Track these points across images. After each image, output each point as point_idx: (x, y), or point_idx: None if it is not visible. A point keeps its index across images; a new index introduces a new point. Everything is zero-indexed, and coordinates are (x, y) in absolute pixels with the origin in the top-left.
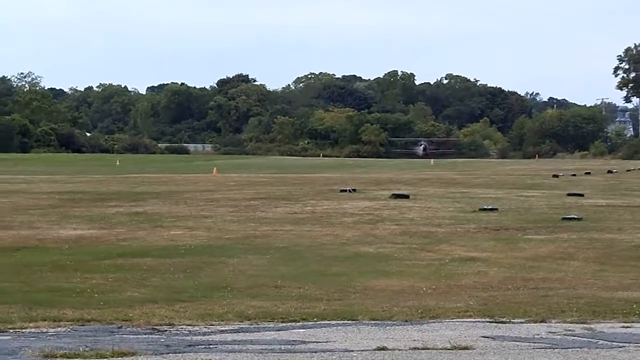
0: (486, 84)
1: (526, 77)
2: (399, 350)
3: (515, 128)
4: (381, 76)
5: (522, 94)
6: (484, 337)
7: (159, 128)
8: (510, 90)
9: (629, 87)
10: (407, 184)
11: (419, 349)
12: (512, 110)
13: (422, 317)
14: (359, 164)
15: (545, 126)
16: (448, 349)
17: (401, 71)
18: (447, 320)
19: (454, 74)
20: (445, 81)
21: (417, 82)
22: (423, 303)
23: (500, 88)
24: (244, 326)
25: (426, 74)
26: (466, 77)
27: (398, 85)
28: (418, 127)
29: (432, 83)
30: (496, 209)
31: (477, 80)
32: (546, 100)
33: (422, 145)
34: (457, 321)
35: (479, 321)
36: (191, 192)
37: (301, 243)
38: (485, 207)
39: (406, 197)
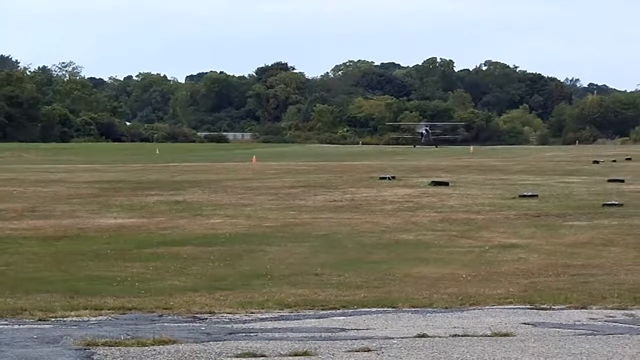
0: (525, 70)
1: (566, 63)
2: (439, 337)
3: (555, 114)
4: (420, 63)
5: (562, 80)
6: (525, 323)
7: (198, 117)
8: (549, 76)
9: None
10: (447, 171)
11: (459, 336)
12: (551, 96)
13: (462, 304)
14: (398, 151)
15: (585, 112)
16: (488, 336)
17: (440, 58)
18: (487, 307)
19: (493, 60)
20: (484, 68)
21: (456, 69)
22: (463, 290)
23: (539, 74)
24: (284, 314)
25: (465, 61)
26: (505, 63)
27: (437, 72)
28: (457, 114)
29: (471, 70)
30: (536, 195)
31: (516, 67)
32: (586, 86)
33: (424, 130)
34: (498, 308)
35: (519, 308)
36: (230, 180)
37: (341, 231)
38: (525, 193)
39: (445, 184)
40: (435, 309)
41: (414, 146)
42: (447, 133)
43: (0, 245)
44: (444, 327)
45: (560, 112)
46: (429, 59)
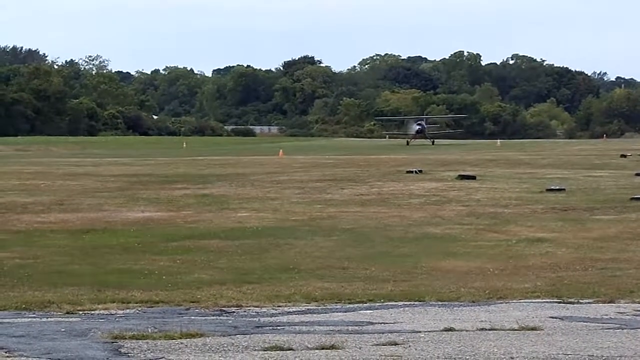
0: (553, 64)
1: (593, 57)
2: (467, 331)
3: (583, 108)
4: (447, 57)
5: (589, 74)
6: (552, 317)
7: (225, 110)
8: (577, 70)
9: None
10: (474, 165)
11: (486, 329)
12: (579, 90)
13: (490, 298)
14: (425, 144)
15: (612, 106)
16: (516, 330)
17: (467, 52)
18: (514, 301)
19: (520, 54)
20: (511, 61)
21: (483, 63)
22: (490, 284)
23: (567, 68)
24: (311, 307)
25: (492, 55)
26: (532, 57)
27: (464, 66)
28: (484, 108)
29: (498, 63)
30: (563, 189)
31: (543, 60)
32: (613, 79)
33: (418, 126)
34: (525, 302)
35: (546, 302)
36: (257, 174)
37: (368, 224)
38: (552, 187)
39: (473, 178)
40: (462, 303)
41: (407, 143)
42: (445, 127)
43: (28, 238)
44: (471, 320)
45: (587, 106)
46: (456, 52)
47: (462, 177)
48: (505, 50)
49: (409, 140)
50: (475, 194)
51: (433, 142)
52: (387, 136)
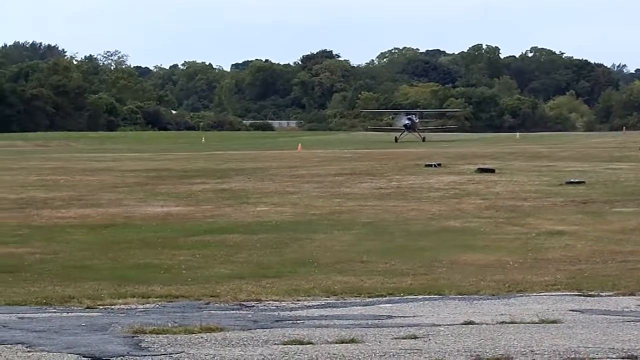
0: (572, 57)
1: (612, 49)
2: (487, 324)
3: (602, 100)
4: (465, 50)
5: (609, 66)
6: (572, 310)
7: (243, 105)
8: (596, 62)
9: None
10: (493, 158)
11: (506, 323)
12: (598, 82)
13: (509, 291)
14: (444, 138)
15: (632, 98)
16: (536, 323)
17: (486, 45)
18: (534, 294)
19: (539, 47)
20: (530, 54)
21: (502, 56)
22: (510, 277)
23: (586, 60)
24: (330, 301)
25: (511, 47)
26: (551, 49)
27: (483, 59)
28: (503, 101)
29: (517, 56)
30: (583, 182)
31: (562, 53)
32: (633, 72)
33: (407, 121)
34: (545, 295)
35: (567, 295)
36: (276, 168)
37: (387, 218)
38: (572, 180)
39: (492, 171)
40: (482, 296)
41: (396, 139)
42: (437, 122)
43: (49, 233)
44: (491, 314)
45: (607, 99)
46: (475, 45)
47: (482, 171)
48: (524, 43)
49: (397, 136)
50: (494, 187)
51: (424, 138)
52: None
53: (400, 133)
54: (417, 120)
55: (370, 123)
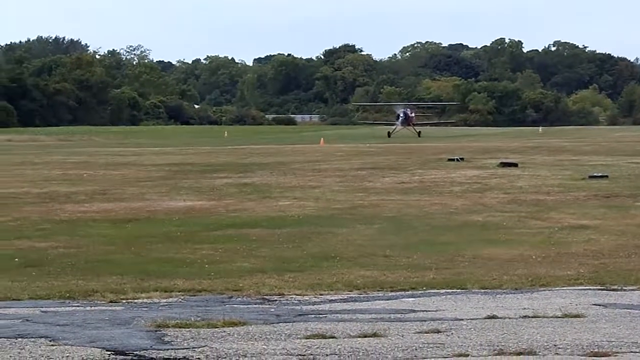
0: (595, 50)
1: (636, 43)
2: (509, 318)
3: (625, 94)
4: (488, 44)
5: (632, 60)
6: (595, 304)
7: (266, 99)
8: (619, 56)
9: None
10: (515, 152)
11: (529, 317)
12: (621, 76)
13: (532, 286)
14: (466, 132)
15: None
16: (559, 317)
17: (508, 39)
18: (557, 288)
19: (562, 41)
20: (553, 48)
21: (524, 50)
22: (533, 271)
23: (609, 54)
24: (353, 295)
25: (534, 41)
26: (574, 43)
27: (505, 53)
28: (526, 95)
29: (540, 50)
30: (606, 176)
31: (585, 47)
32: None
33: (402, 115)
34: (568, 289)
35: (590, 289)
36: (299, 162)
37: (409, 212)
38: (595, 174)
39: (514, 165)
40: (505, 290)
41: (389, 134)
42: (435, 115)
43: (72, 228)
44: (514, 308)
45: (630, 92)
46: (498, 39)
47: (504, 165)
48: (546, 37)
49: (390, 131)
50: (517, 181)
51: (419, 133)
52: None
53: (393, 127)
54: (412, 114)
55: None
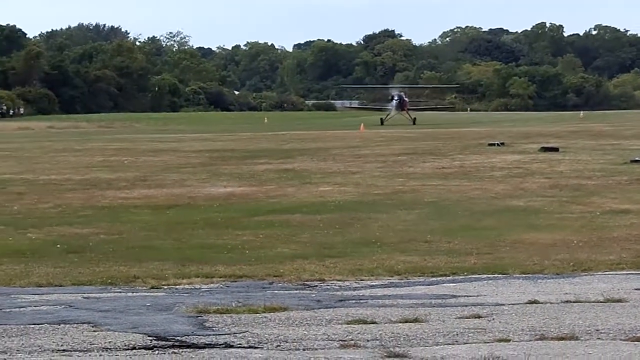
0: (636, 34)
1: None
2: (551, 303)
3: None
4: (529, 28)
5: None
6: (638, 289)
7: (305, 85)
8: None
9: None
10: (556, 137)
11: (571, 302)
12: None
13: (574, 270)
14: (507, 117)
15: None
16: (601, 302)
17: (549, 23)
18: (599, 273)
19: (603, 25)
20: (594, 32)
21: (565, 34)
22: (574, 256)
23: None
24: (394, 281)
25: (575, 25)
26: (616, 27)
27: (546, 37)
28: (567, 80)
29: (581, 34)
30: None
31: (627, 30)
32: None
33: (397, 98)
34: (610, 274)
35: (632, 273)
36: (339, 148)
37: (450, 197)
38: (637, 158)
39: (555, 150)
40: (546, 275)
41: (382, 121)
42: (433, 98)
43: (113, 214)
44: (556, 293)
45: None
46: (538, 24)
47: (545, 149)
48: (587, 20)
49: (383, 117)
50: (558, 166)
51: (414, 120)
52: (469, 109)
53: (387, 113)
54: (406, 99)
55: (433, 102)
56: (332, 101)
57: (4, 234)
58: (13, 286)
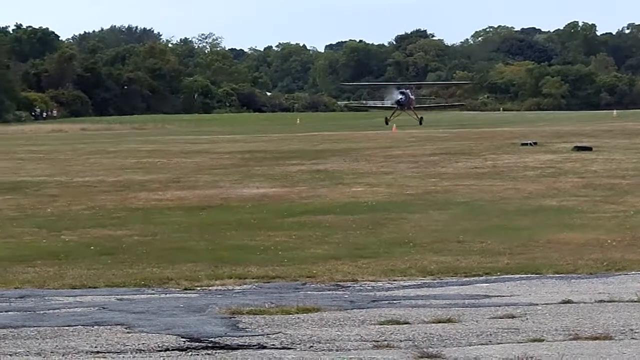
0: None
1: None
2: (585, 303)
3: None
4: (561, 28)
5: None
6: None
7: (337, 86)
8: None
9: None
10: (590, 136)
11: (605, 301)
12: None
13: (608, 270)
14: (539, 117)
15: None
16: (635, 301)
17: (582, 22)
18: (633, 273)
19: (637, 23)
20: (627, 31)
21: (598, 33)
22: (608, 256)
23: None
24: (426, 281)
25: (607, 24)
26: None
27: (579, 37)
28: (600, 79)
29: (614, 33)
30: None
31: None
32: None
33: (401, 96)
34: None
35: None
36: (371, 148)
37: (482, 197)
38: None
39: (589, 149)
40: (580, 275)
41: (386, 121)
42: (440, 96)
43: (146, 215)
44: (589, 293)
45: None
46: (571, 23)
47: (578, 149)
48: (620, 19)
49: (387, 117)
50: (591, 165)
51: (421, 120)
52: (501, 108)
53: (391, 113)
54: (412, 97)
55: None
56: (364, 102)
57: (37, 236)
58: (47, 288)
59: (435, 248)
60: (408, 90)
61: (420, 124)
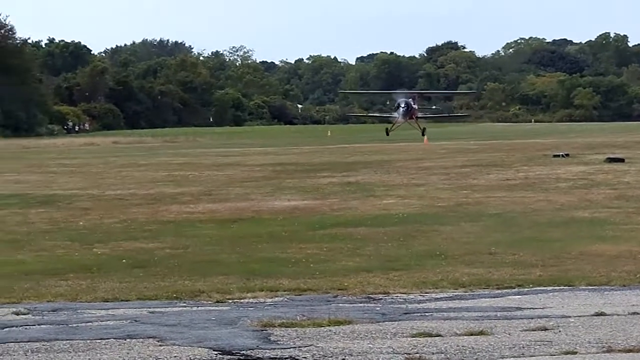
0: None
1: None
2: (618, 315)
3: None
4: (593, 39)
5: None
6: None
7: (369, 98)
8: None
9: None
10: (622, 148)
11: (638, 313)
12: None
13: None
14: (571, 128)
15: None
16: None
17: (614, 33)
18: None
19: None
20: None
21: (630, 44)
22: None
23: None
24: (458, 293)
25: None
26: None
27: (611, 48)
28: (632, 90)
29: None
30: None
31: None
32: None
33: (404, 106)
34: None
35: None
36: (402, 160)
37: (514, 209)
38: None
39: (621, 160)
40: (613, 287)
41: (387, 132)
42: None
43: (178, 228)
44: (623, 305)
45: None
46: (602, 34)
47: (611, 160)
48: None
49: (389, 127)
50: (624, 176)
51: (424, 130)
52: (533, 120)
53: (392, 124)
54: (415, 106)
55: (497, 114)
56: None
57: (70, 249)
58: (79, 301)
59: (467, 260)
60: (411, 100)
61: (423, 134)
